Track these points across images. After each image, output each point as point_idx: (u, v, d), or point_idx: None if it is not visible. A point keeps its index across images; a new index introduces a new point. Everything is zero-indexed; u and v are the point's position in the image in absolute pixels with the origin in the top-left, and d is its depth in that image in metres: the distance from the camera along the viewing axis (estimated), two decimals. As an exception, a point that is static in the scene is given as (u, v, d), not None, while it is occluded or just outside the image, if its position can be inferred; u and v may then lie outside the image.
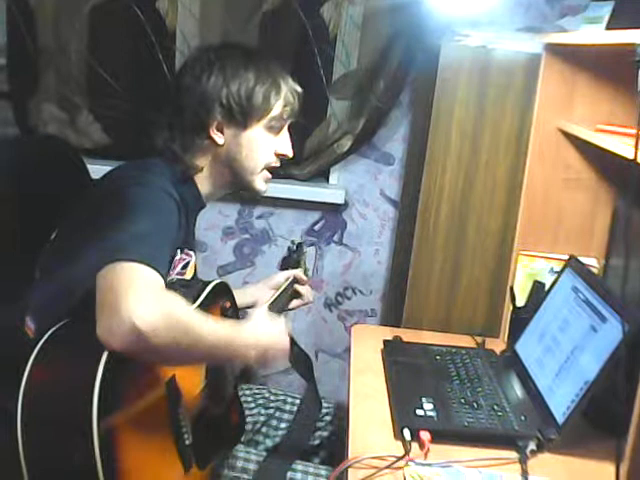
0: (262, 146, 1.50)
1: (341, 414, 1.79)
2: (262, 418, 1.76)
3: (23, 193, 1.41)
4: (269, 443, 1.70)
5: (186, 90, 1.46)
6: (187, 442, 1.27)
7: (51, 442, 1.08)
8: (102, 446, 1.04)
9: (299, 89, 1.54)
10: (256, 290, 1.80)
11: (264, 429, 1.76)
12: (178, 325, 1.10)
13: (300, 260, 1.90)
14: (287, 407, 1.80)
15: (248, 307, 1.75)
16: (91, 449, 1.03)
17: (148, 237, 1.18)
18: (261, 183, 1.54)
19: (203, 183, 1.50)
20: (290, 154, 1.56)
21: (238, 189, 1.57)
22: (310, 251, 2.49)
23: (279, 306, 1.74)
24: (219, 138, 1.47)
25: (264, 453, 1.60)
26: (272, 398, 1.81)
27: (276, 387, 1.86)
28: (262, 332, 1.29)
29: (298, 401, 1.82)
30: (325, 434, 1.77)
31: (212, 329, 1.18)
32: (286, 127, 1.55)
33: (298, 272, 1.83)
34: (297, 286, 1.83)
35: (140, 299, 1.05)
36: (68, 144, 1.75)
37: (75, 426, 1.06)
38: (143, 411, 1.15)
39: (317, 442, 1.75)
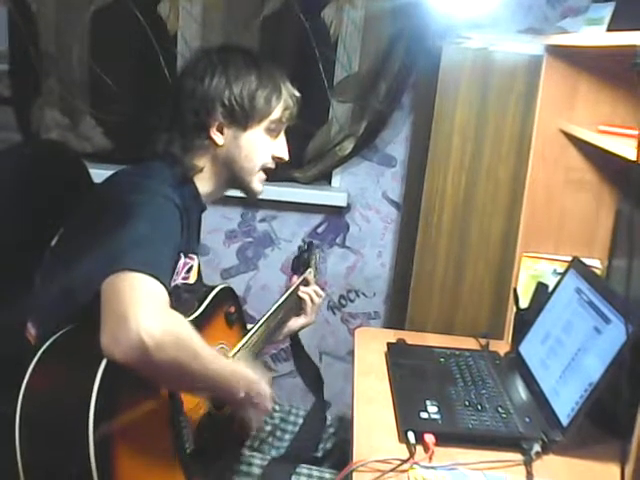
0: (260, 148, 1.51)
1: (344, 425, 1.79)
2: (268, 428, 1.76)
3: (25, 198, 1.41)
4: (273, 453, 1.70)
5: (187, 90, 1.46)
6: (188, 450, 1.27)
7: (48, 450, 1.08)
8: (98, 455, 1.04)
9: (298, 94, 1.56)
10: None
11: (269, 439, 1.76)
12: (183, 346, 1.10)
13: (310, 260, 1.90)
14: (291, 418, 1.79)
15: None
16: (87, 458, 1.03)
17: (150, 244, 1.18)
18: (258, 184, 1.55)
19: (202, 184, 1.51)
20: (286, 157, 1.57)
21: (235, 189, 1.57)
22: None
23: (277, 320, 1.71)
24: (219, 138, 1.47)
25: (269, 457, 1.60)
26: (277, 408, 1.80)
27: (280, 392, 1.85)
28: (256, 376, 1.31)
29: (302, 412, 1.82)
30: (328, 446, 1.77)
31: (213, 358, 1.19)
32: (283, 131, 1.56)
33: (303, 288, 1.82)
34: (302, 287, 1.81)
35: (149, 313, 1.06)
36: (70, 149, 1.75)
37: (72, 435, 1.06)
38: (143, 420, 1.15)
39: (320, 454, 1.75)
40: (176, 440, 1.25)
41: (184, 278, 1.47)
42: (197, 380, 1.17)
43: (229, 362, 1.27)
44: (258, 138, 1.50)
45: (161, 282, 1.12)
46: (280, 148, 1.55)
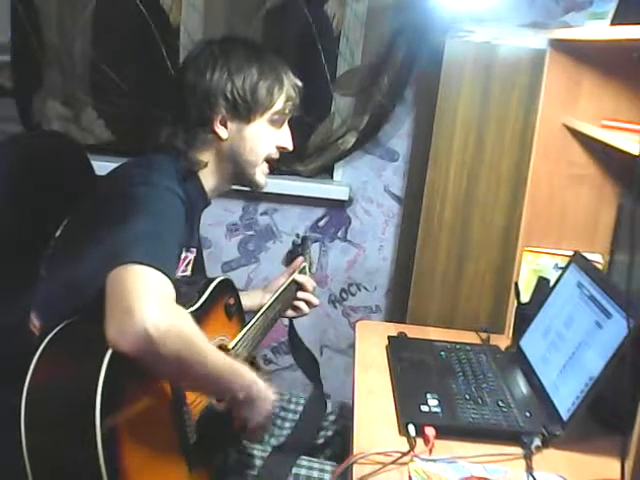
0: (265, 140, 1.51)
1: (345, 413, 1.79)
2: None
3: (27, 190, 1.42)
4: (274, 442, 1.70)
5: (189, 84, 1.46)
6: (191, 441, 1.27)
7: (54, 441, 1.08)
8: (105, 445, 1.04)
9: (300, 84, 1.55)
10: (262, 293, 1.81)
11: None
12: (186, 340, 1.11)
13: (305, 254, 1.90)
14: (292, 407, 1.80)
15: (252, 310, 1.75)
16: (94, 448, 1.03)
17: (156, 238, 1.18)
18: (261, 176, 1.56)
19: (207, 178, 1.51)
20: (291, 147, 1.57)
21: (239, 183, 1.57)
22: (314, 248, 2.49)
23: (275, 312, 1.72)
24: (223, 132, 1.47)
25: (269, 449, 1.60)
26: (277, 398, 1.81)
27: (281, 385, 1.85)
28: (256, 377, 1.31)
29: (302, 400, 1.82)
30: (329, 433, 1.77)
31: (215, 355, 1.19)
32: (286, 121, 1.56)
33: (298, 277, 1.82)
34: (299, 293, 1.82)
35: (155, 305, 1.06)
36: (72, 140, 1.75)
37: (78, 425, 1.06)
38: (147, 410, 1.16)
39: (321, 441, 1.75)
40: (179, 430, 1.25)
41: (183, 271, 1.48)
42: (198, 375, 1.17)
43: (230, 360, 1.27)
44: (262, 130, 1.50)
45: (166, 275, 1.12)
46: (284, 138, 1.55)
